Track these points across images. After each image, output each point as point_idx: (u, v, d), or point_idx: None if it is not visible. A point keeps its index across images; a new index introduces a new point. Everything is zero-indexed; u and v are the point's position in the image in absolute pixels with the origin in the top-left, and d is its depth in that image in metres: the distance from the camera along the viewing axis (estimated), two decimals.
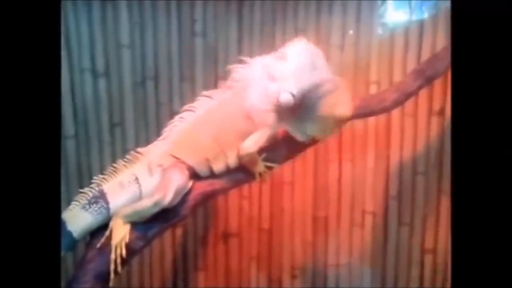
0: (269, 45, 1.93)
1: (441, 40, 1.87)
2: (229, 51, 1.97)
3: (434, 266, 2.05)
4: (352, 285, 2.11)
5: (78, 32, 1.96)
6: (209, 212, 2.10)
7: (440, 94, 1.93)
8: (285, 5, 1.94)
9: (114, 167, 1.45)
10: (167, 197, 1.35)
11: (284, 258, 2.12)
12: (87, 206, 1.38)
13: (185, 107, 1.53)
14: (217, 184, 1.49)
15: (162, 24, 1.97)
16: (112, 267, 1.30)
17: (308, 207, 2.08)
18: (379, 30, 1.94)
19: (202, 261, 2.14)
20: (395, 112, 1.91)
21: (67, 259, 1.97)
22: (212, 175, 1.48)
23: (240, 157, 1.45)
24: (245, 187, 2.04)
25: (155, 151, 1.48)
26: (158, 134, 1.56)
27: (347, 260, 2.10)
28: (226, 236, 2.12)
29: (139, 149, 1.49)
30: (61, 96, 1.87)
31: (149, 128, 2.03)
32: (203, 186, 1.47)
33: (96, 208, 1.38)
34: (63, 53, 1.94)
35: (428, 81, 1.68)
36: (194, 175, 1.47)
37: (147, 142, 1.58)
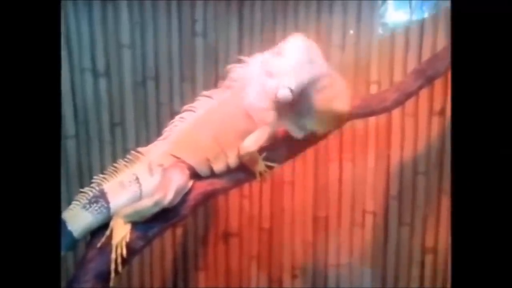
0: (269, 45, 1.93)
1: (442, 40, 1.87)
2: (230, 51, 1.97)
3: (435, 266, 2.05)
4: (353, 285, 2.11)
5: (78, 32, 1.96)
6: (210, 212, 2.10)
7: (441, 94, 1.93)
8: (286, 5, 1.94)
9: (115, 167, 1.45)
10: (168, 197, 1.35)
11: (284, 258, 2.12)
12: (88, 206, 1.38)
13: (185, 107, 1.53)
14: (218, 183, 1.49)
15: (163, 24, 1.98)
16: (112, 266, 1.30)
17: (308, 206, 2.08)
18: (380, 30, 1.94)
19: (203, 261, 2.14)
20: (396, 112, 1.91)
21: (68, 259, 1.98)
22: (213, 174, 1.48)
23: (240, 157, 1.45)
24: (246, 187, 2.04)
25: (156, 151, 1.48)
26: (158, 134, 1.56)
27: (347, 260, 2.10)
28: (226, 235, 2.12)
29: (139, 149, 1.49)
30: (61, 96, 1.87)
31: (150, 128, 2.03)
32: (203, 186, 1.47)
33: (96, 208, 1.38)
34: (64, 53, 1.94)
35: (429, 81, 1.68)
36: (195, 175, 1.47)
37: (148, 142, 1.58)
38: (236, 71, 1.49)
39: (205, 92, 1.53)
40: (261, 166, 1.49)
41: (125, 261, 1.32)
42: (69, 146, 2.02)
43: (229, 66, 1.51)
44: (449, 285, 2.03)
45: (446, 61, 1.61)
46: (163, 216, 1.38)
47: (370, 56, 1.94)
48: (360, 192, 2.05)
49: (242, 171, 1.50)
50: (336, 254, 2.10)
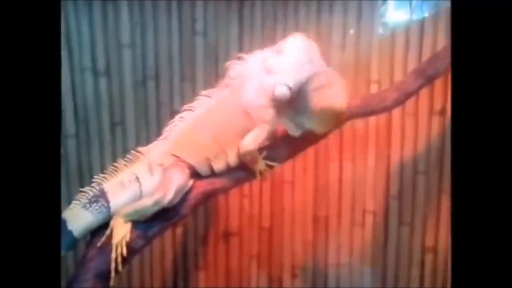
0: (269, 44, 1.93)
1: (442, 39, 1.87)
2: (230, 50, 1.97)
3: (435, 266, 2.05)
4: (353, 285, 2.11)
5: (79, 31, 1.96)
6: (210, 211, 2.10)
7: (441, 94, 1.93)
8: (286, 4, 1.94)
9: (115, 166, 1.45)
10: (168, 196, 1.35)
11: (284, 257, 2.12)
12: (88, 205, 1.38)
13: (185, 107, 1.53)
14: (218, 183, 1.49)
15: (163, 24, 1.98)
16: (112, 266, 1.30)
17: (308, 206, 2.08)
18: (380, 30, 1.94)
19: (203, 260, 2.14)
20: (396, 112, 1.91)
21: (68, 258, 1.98)
22: (213, 174, 1.48)
23: (240, 155, 1.45)
24: (246, 186, 2.04)
25: (156, 151, 1.48)
26: (158, 133, 1.56)
27: (347, 260, 2.10)
28: (226, 235, 2.12)
29: (139, 149, 1.49)
30: (61, 95, 1.87)
31: (150, 128, 2.03)
32: (203, 185, 1.47)
33: (96, 207, 1.38)
34: (64, 52, 1.94)
35: (429, 80, 1.68)
36: (195, 174, 1.47)
37: (148, 141, 1.58)
38: (234, 69, 1.50)
39: (204, 92, 1.54)
40: (261, 165, 1.49)
41: (125, 261, 1.32)
42: (69, 145, 2.02)
43: (228, 63, 1.52)
44: (449, 284, 2.03)
45: (446, 61, 1.61)
46: (163, 216, 1.38)
47: (370, 55, 1.94)
48: (360, 191, 2.05)
49: (242, 170, 1.50)
50: (336, 253, 2.10)
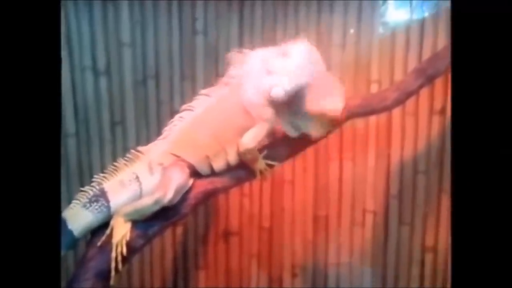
0: (270, 44, 1.93)
1: (442, 39, 1.87)
2: (230, 49, 1.97)
3: (435, 265, 2.05)
4: (353, 284, 2.11)
5: (79, 30, 1.96)
6: (210, 211, 2.10)
7: (441, 93, 1.93)
8: (286, 4, 1.94)
9: (115, 166, 1.45)
10: (168, 196, 1.35)
11: (284, 257, 2.12)
12: (88, 205, 1.38)
13: (184, 106, 1.53)
14: (218, 182, 1.49)
15: (163, 23, 1.98)
16: (113, 265, 1.30)
17: (308, 206, 2.08)
18: (380, 29, 1.94)
19: (203, 260, 2.14)
20: (396, 111, 1.91)
21: (68, 258, 1.98)
22: (213, 173, 1.49)
23: (240, 154, 1.45)
24: (246, 186, 2.04)
25: (156, 150, 1.48)
26: (159, 132, 1.56)
27: (347, 259, 2.10)
28: (226, 234, 2.12)
29: (139, 148, 1.49)
30: (61, 94, 1.87)
31: (150, 127, 2.03)
32: (204, 184, 1.47)
33: (97, 207, 1.38)
34: (65, 51, 1.94)
35: (429, 80, 1.67)
36: (195, 173, 1.47)
37: (148, 140, 1.58)
38: (235, 68, 1.50)
39: (203, 91, 1.54)
40: (261, 164, 1.50)
41: (125, 260, 1.32)
42: (70, 144, 2.02)
43: (229, 54, 1.52)
44: (449, 284, 2.03)
45: (446, 60, 1.61)
46: (163, 215, 1.38)
47: (370, 55, 1.94)
48: (360, 191, 2.05)
49: (243, 169, 1.50)
50: (336, 253, 2.10)
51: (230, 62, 1.52)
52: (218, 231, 2.12)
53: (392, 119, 1.98)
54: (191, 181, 1.44)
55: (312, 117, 1.46)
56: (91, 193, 1.39)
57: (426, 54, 1.87)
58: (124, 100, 2.02)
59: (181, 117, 1.52)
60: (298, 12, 1.94)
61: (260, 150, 1.49)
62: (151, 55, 2.00)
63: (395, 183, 2.02)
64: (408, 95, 1.66)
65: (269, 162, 1.51)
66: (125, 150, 1.76)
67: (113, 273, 1.30)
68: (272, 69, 1.42)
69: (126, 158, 1.46)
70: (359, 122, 1.95)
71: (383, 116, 1.94)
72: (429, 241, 2.04)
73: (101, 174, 1.43)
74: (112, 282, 1.30)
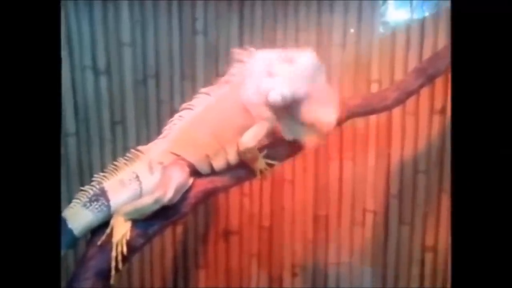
0: (270, 43, 1.94)
1: (442, 38, 1.87)
2: (230, 49, 1.97)
3: (435, 265, 2.05)
4: (353, 284, 2.11)
5: (79, 30, 1.96)
6: (210, 210, 2.10)
7: (442, 93, 1.93)
8: (286, 4, 1.94)
9: (115, 165, 1.44)
10: (168, 195, 1.35)
11: (284, 256, 2.12)
12: (88, 204, 1.37)
13: (184, 105, 1.53)
14: (218, 181, 1.49)
15: (163, 22, 1.98)
16: (113, 264, 1.30)
17: (308, 205, 2.08)
18: (380, 29, 1.94)
19: (203, 259, 2.14)
20: (396, 111, 1.91)
21: (68, 257, 1.98)
22: (213, 172, 1.48)
23: (240, 153, 1.45)
24: (246, 185, 2.05)
25: (156, 149, 1.48)
26: (159, 132, 1.56)
27: (347, 259, 2.10)
28: (226, 233, 2.12)
29: (139, 147, 1.49)
30: (61, 94, 1.87)
31: (150, 126, 2.03)
32: (204, 184, 1.47)
33: (97, 206, 1.38)
34: (65, 51, 1.94)
35: (430, 79, 1.68)
36: (195, 173, 1.47)
37: (148, 140, 1.58)
38: (237, 65, 1.50)
39: (202, 89, 1.54)
40: (261, 163, 1.49)
41: (125, 259, 1.32)
42: (70, 144, 2.03)
43: (234, 50, 1.51)
44: (449, 284, 2.03)
45: (447, 60, 1.61)
46: (164, 214, 1.38)
47: (371, 54, 1.94)
48: (361, 190, 2.05)
49: (243, 168, 1.50)
50: (336, 252, 2.10)
51: (233, 59, 1.51)
52: (218, 230, 2.12)
53: (392, 119, 1.98)
54: (191, 180, 1.44)
55: (306, 126, 1.47)
56: (91, 192, 1.39)
57: (427, 53, 1.87)
58: (124, 100, 2.02)
59: (181, 116, 1.51)
60: (298, 11, 1.94)
61: (260, 150, 1.49)
62: (151, 55, 2.00)
63: (395, 182, 2.02)
64: (409, 94, 1.66)
65: (269, 161, 1.51)
66: (125, 149, 1.76)
67: (113, 272, 1.30)
68: (274, 72, 1.41)
69: (126, 158, 1.46)
70: (359, 122, 1.95)
71: (383, 116, 1.94)
72: (429, 241, 2.04)
73: (101, 174, 1.43)
74: (112, 281, 1.30)
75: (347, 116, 1.62)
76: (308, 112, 1.44)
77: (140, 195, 1.40)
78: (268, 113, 1.44)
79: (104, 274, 1.30)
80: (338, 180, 2.05)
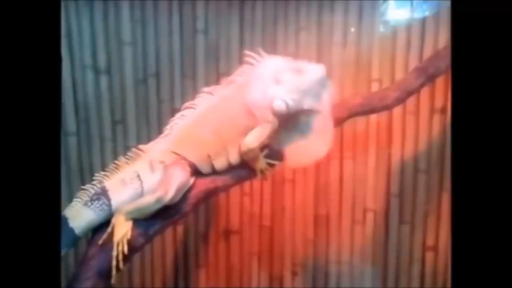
0: (270, 43, 1.94)
1: (443, 38, 1.87)
2: (231, 48, 1.98)
3: (435, 264, 2.05)
4: (353, 283, 2.11)
5: (80, 29, 1.96)
6: (211, 209, 2.10)
7: (442, 92, 1.93)
8: (287, 3, 1.94)
9: (116, 164, 1.45)
10: (169, 194, 1.35)
11: (285, 256, 2.12)
12: (89, 203, 1.38)
13: (186, 104, 1.53)
14: (219, 181, 1.49)
15: (164, 22, 1.97)
16: (114, 263, 1.30)
17: (309, 204, 2.08)
18: (381, 28, 1.94)
19: (203, 258, 2.14)
20: (397, 110, 1.91)
21: (69, 256, 1.97)
22: (214, 171, 1.49)
23: (241, 153, 1.45)
24: (247, 184, 2.05)
25: (157, 148, 1.48)
26: (159, 131, 1.56)
27: (348, 258, 2.10)
28: (227, 233, 2.12)
29: (140, 146, 1.49)
30: (62, 93, 1.87)
31: (151, 125, 2.03)
32: (205, 183, 1.47)
33: (98, 205, 1.38)
34: (65, 50, 1.94)
35: (430, 79, 1.68)
36: (196, 172, 1.47)
37: (149, 139, 1.58)
38: (246, 66, 1.50)
39: (205, 89, 1.54)
40: (262, 163, 1.50)
41: (126, 258, 1.32)
42: (70, 143, 2.02)
43: (247, 52, 1.51)
44: (449, 283, 2.03)
45: (447, 59, 1.61)
46: (164, 213, 1.38)
47: (371, 54, 1.94)
48: (361, 190, 2.05)
49: (243, 168, 1.50)
50: (336, 252, 2.10)
51: (243, 61, 1.51)
52: (218, 230, 2.12)
53: (393, 118, 1.98)
54: (192, 180, 1.45)
55: (297, 146, 1.49)
56: (92, 191, 1.39)
57: (427, 53, 1.87)
58: (124, 99, 2.02)
59: (183, 115, 1.51)
60: (299, 11, 1.94)
61: (261, 149, 1.49)
62: (152, 54, 1.99)
63: (395, 182, 2.02)
64: (409, 94, 1.66)
65: (270, 161, 1.51)
66: (126, 148, 1.76)
67: (114, 271, 1.30)
68: (282, 80, 1.42)
69: (127, 157, 1.46)
70: (360, 121, 1.95)
71: (383, 115, 1.94)
72: (430, 240, 2.04)
73: (102, 173, 1.43)
74: (113, 280, 1.30)
75: (348, 115, 1.63)
76: (304, 132, 1.47)
77: (141, 194, 1.40)
78: (272, 117, 1.44)
79: (105, 274, 1.30)
80: (339, 180, 2.05)
